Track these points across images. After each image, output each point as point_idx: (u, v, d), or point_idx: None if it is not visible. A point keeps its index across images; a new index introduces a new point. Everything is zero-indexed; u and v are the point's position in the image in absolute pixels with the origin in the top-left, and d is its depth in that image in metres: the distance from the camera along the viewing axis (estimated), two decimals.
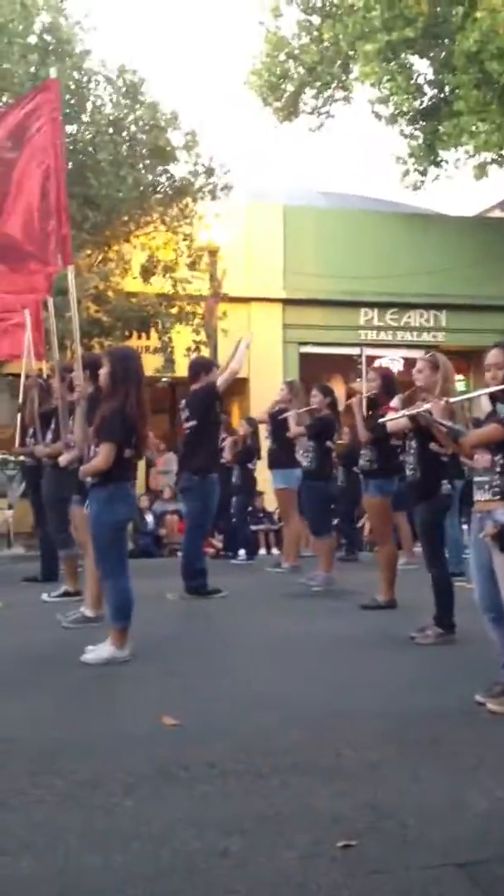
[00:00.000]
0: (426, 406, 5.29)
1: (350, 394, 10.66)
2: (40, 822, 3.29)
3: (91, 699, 5.02)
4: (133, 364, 5.86)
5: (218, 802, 3.44)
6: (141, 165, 14.90)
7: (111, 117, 14.59)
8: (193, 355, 14.64)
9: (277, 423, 9.94)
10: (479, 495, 4.69)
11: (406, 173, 18.10)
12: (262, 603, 8.17)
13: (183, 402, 8.65)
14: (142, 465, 12.47)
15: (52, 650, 6.09)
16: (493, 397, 4.72)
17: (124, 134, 14.73)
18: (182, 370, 15.04)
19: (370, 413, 7.59)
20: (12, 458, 13.58)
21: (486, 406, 4.91)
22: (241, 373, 9.14)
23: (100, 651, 5.66)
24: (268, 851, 3.02)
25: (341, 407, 9.47)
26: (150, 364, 13.84)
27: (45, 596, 8.06)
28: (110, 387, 5.72)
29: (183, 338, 15.26)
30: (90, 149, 14.11)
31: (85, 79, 14.51)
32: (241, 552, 11.95)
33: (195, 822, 3.25)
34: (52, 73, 7.49)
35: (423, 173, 18.00)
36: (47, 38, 14.27)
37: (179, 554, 12.30)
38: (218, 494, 8.69)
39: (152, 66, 32.40)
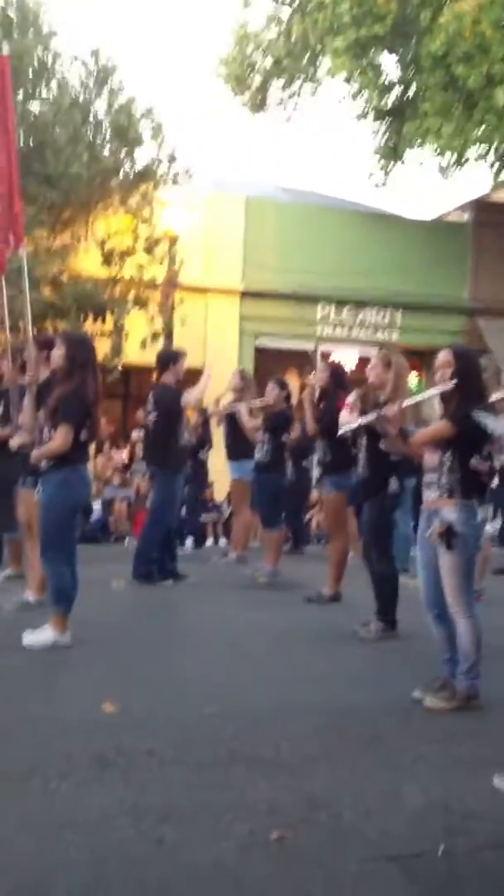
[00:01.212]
0: (381, 412, 5.33)
1: (304, 388, 10.67)
2: None
3: (31, 684, 4.96)
4: (89, 347, 5.85)
5: (155, 791, 3.43)
6: (106, 149, 14.76)
7: (74, 97, 14.42)
8: (152, 344, 14.58)
9: (231, 415, 9.95)
10: (427, 493, 4.74)
11: (371, 174, 18.14)
12: (207, 593, 8.16)
13: (150, 394, 8.74)
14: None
15: None
16: (444, 398, 4.77)
17: (90, 118, 14.58)
18: (135, 356, 15.03)
19: (319, 405, 7.62)
20: None
21: (438, 408, 4.95)
22: (196, 364, 9.18)
23: (41, 635, 5.60)
24: (203, 841, 3.01)
25: (295, 400, 9.49)
26: (104, 349, 13.72)
27: None
28: (67, 369, 5.67)
29: (139, 324, 15.16)
30: (51, 127, 13.92)
31: (50, 57, 14.30)
32: (189, 541, 11.92)
33: (131, 809, 3.23)
34: (5, 48, 7.31)
35: (387, 172, 18.04)
36: (10, 14, 14.03)
37: (126, 540, 12.30)
38: (182, 484, 8.74)
39: (124, 50, 32.09)
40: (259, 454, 9.02)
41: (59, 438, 5.56)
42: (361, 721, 4.40)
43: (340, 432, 6.51)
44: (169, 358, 8.83)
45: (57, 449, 5.58)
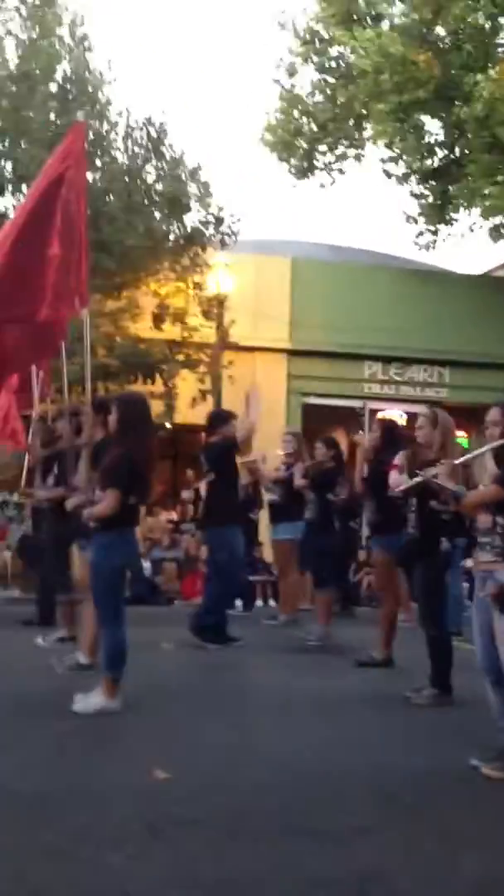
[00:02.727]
0: (434, 470, 5.31)
1: (352, 446, 10.64)
2: (23, 873, 3.22)
3: (82, 749, 4.93)
4: (143, 409, 5.91)
5: (205, 862, 3.37)
6: (157, 214, 15.08)
7: (126, 166, 14.80)
8: (201, 405, 14.71)
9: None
10: (481, 556, 4.68)
11: (420, 234, 18.23)
12: (257, 656, 8.08)
13: (201, 455, 8.78)
14: None
15: (45, 697, 6.00)
16: (497, 456, 4.73)
17: (139, 182, 14.93)
18: (185, 417, 15.13)
19: (371, 462, 7.60)
20: (13, 500, 13.55)
21: (490, 466, 4.90)
22: None
23: (90, 701, 5.57)
24: None
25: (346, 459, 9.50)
26: (154, 410, 13.84)
27: (39, 640, 7.99)
28: (119, 432, 5.73)
29: (188, 385, 15.31)
30: (106, 197, 14.26)
31: (105, 128, 14.72)
32: (238, 603, 11.85)
33: (181, 881, 3.18)
34: (80, 116, 7.46)
35: (435, 233, 18.15)
36: (69, 87, 14.50)
37: (176, 602, 12.28)
38: (242, 543, 8.76)
39: (172, 117, 32.92)
40: (309, 513, 8.99)
41: (106, 502, 5.60)
42: (415, 789, 4.30)
43: (391, 494, 6.48)
44: (219, 419, 8.86)
45: (104, 512, 5.62)
